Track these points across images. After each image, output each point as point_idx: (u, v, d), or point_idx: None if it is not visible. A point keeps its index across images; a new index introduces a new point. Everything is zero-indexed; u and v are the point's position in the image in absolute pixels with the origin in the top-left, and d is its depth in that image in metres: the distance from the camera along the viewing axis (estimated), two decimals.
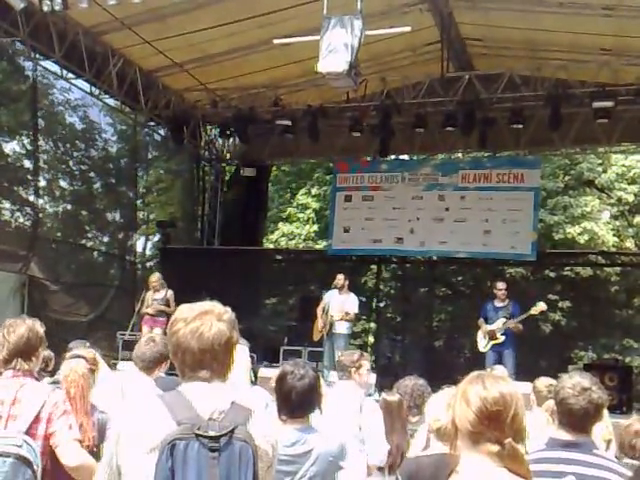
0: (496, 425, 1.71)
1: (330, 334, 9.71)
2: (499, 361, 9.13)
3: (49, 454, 2.75)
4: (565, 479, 2.39)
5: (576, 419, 2.56)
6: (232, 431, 1.82)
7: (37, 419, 2.74)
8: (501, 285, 9.70)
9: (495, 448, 1.70)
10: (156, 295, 9.90)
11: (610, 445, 4.30)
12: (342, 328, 9.74)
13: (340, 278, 9.92)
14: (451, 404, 1.80)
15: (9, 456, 2.54)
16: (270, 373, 4.70)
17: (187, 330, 1.93)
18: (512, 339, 9.41)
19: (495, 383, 1.77)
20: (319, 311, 9.93)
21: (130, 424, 1.89)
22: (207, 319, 1.94)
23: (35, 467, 2.53)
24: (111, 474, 1.91)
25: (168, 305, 9.74)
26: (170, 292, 9.90)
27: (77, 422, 2.91)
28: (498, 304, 9.58)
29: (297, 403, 2.96)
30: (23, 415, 2.73)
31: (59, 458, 2.75)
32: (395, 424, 3.85)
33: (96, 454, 2.89)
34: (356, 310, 9.91)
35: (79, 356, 3.20)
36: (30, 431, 2.70)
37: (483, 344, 9.51)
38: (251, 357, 4.92)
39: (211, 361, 1.92)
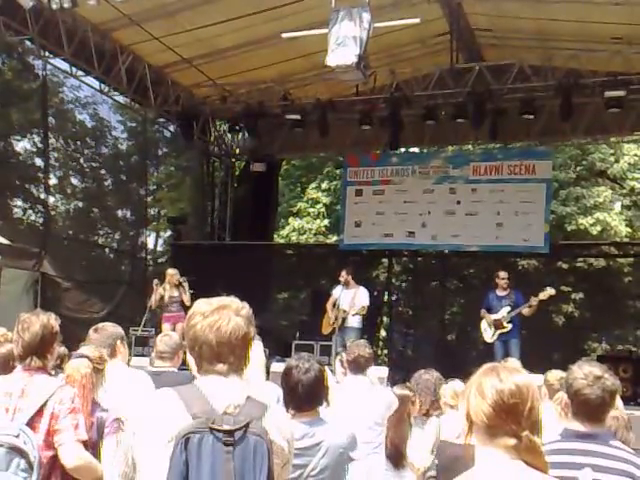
0: (513, 418, 1.69)
1: (342, 328, 9.72)
2: (506, 350, 9.14)
3: (53, 449, 2.74)
4: (582, 471, 2.37)
5: (592, 409, 2.54)
6: (247, 425, 1.82)
7: (40, 412, 2.73)
8: (503, 274, 9.66)
9: (512, 441, 1.68)
10: (173, 292, 9.90)
11: None
12: (354, 322, 9.76)
13: (343, 275, 9.93)
14: (465, 397, 1.78)
15: (2, 445, 2.54)
16: (282, 368, 4.70)
17: (205, 323, 1.94)
18: (517, 327, 9.41)
19: (510, 375, 1.74)
20: (329, 306, 9.95)
21: (146, 418, 1.90)
22: (225, 313, 1.95)
23: (32, 458, 2.52)
24: (127, 467, 1.92)
25: (182, 299, 9.78)
26: (186, 285, 9.92)
27: None
28: (500, 293, 9.56)
29: (304, 396, 2.96)
30: (27, 408, 2.72)
31: (60, 457, 2.74)
32: (401, 419, 3.84)
33: (93, 451, 2.89)
34: (367, 303, 9.91)
35: (83, 355, 3.20)
36: (32, 423, 2.69)
37: (490, 334, 9.49)
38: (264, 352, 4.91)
39: (228, 355, 1.93)
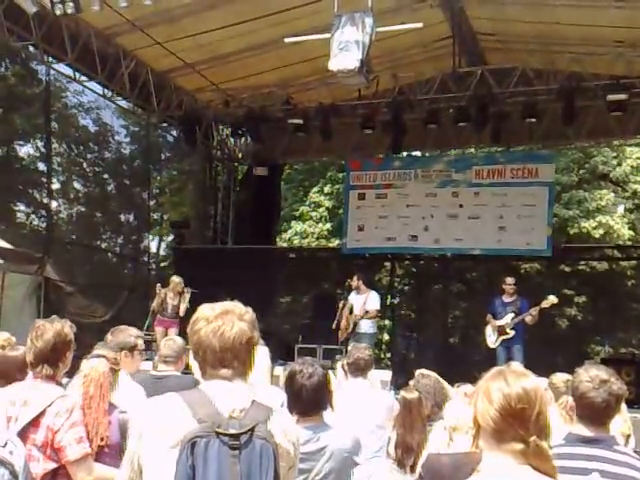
0: (520, 423, 1.68)
1: (354, 333, 9.72)
2: (509, 356, 9.15)
3: (58, 462, 2.74)
4: (590, 477, 2.36)
5: (597, 413, 2.53)
6: (252, 429, 1.82)
7: (36, 423, 2.71)
8: (510, 280, 9.66)
9: (520, 446, 1.67)
10: (174, 300, 9.91)
11: (629, 440, 4.25)
12: (366, 327, 9.77)
13: (354, 280, 9.97)
14: (472, 401, 1.77)
15: None
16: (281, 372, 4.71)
17: (209, 329, 1.94)
18: (521, 334, 9.41)
19: (517, 379, 1.73)
20: (345, 312, 9.95)
21: (151, 422, 1.90)
22: (228, 318, 1.95)
23: (17, 468, 2.51)
24: (133, 472, 1.92)
25: (179, 308, 9.81)
26: (188, 295, 9.94)
27: (93, 421, 2.89)
28: (506, 299, 9.56)
29: (308, 401, 2.96)
30: (24, 417, 2.71)
31: (70, 474, 2.73)
32: (415, 422, 3.83)
33: (117, 453, 2.90)
34: (377, 307, 9.92)
35: (100, 355, 3.20)
36: (24, 433, 2.67)
37: (493, 340, 9.51)
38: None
39: (232, 360, 1.93)
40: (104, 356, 3.18)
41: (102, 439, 2.90)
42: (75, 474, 2.73)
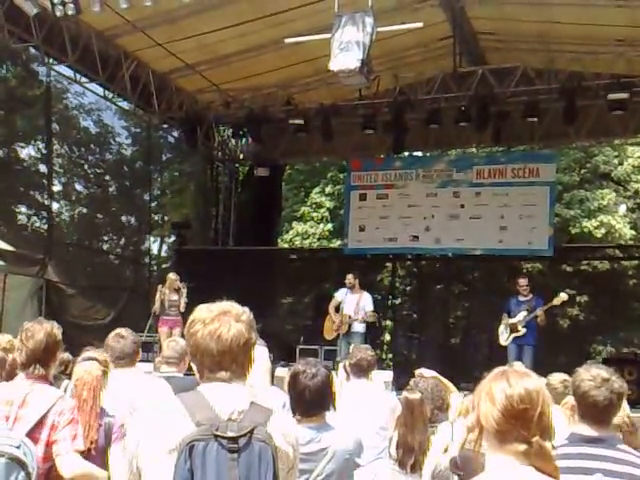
0: (523, 424, 1.66)
1: (347, 333, 9.70)
2: (520, 354, 9.16)
3: (53, 461, 2.74)
4: (593, 477, 2.35)
5: (600, 411, 2.52)
6: (251, 432, 1.80)
7: (41, 424, 2.73)
8: (523, 281, 9.72)
9: (522, 447, 1.65)
10: (173, 296, 9.93)
11: None
12: (358, 327, 9.75)
13: (349, 278, 9.92)
14: (475, 402, 1.76)
15: (3, 455, 2.53)
16: (286, 373, 4.70)
17: (206, 331, 1.92)
18: (533, 332, 9.43)
19: (520, 380, 1.72)
20: (331, 309, 9.93)
21: (149, 425, 1.88)
22: (226, 320, 1.93)
23: (30, 470, 2.51)
24: (132, 475, 1.90)
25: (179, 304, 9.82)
26: (184, 291, 9.95)
27: (85, 424, 2.91)
28: (521, 298, 9.63)
29: (311, 402, 2.95)
30: (28, 418, 2.72)
31: (57, 467, 2.74)
32: (417, 423, 3.83)
33: (101, 457, 2.90)
34: (372, 308, 9.90)
35: (91, 358, 3.20)
36: (32, 435, 2.68)
37: (504, 337, 9.55)
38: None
39: (230, 362, 1.92)
40: (95, 359, 3.17)
41: (91, 442, 2.90)
42: (61, 468, 2.73)
